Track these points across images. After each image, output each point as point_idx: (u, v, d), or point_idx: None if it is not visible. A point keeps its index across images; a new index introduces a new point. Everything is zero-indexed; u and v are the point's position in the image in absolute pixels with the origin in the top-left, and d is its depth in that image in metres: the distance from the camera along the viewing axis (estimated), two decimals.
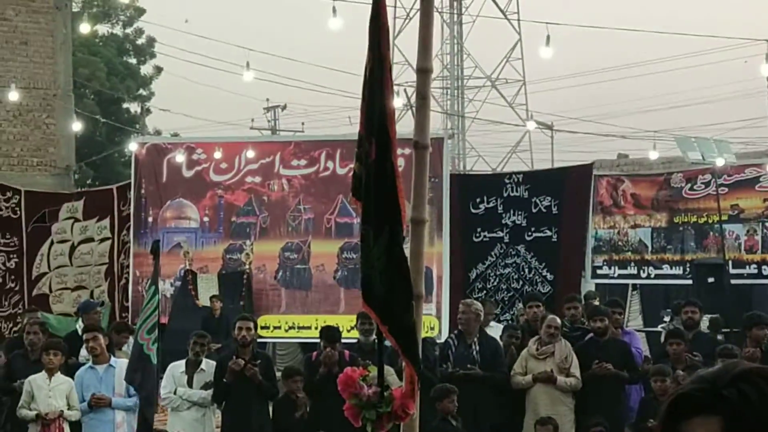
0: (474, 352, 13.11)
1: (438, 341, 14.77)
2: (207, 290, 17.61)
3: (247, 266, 17.85)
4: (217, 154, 18.24)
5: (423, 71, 5.01)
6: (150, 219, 18.34)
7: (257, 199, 18.07)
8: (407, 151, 5.10)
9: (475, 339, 13.19)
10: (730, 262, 18.00)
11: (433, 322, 16.95)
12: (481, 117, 45.31)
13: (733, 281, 17.82)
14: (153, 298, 11.40)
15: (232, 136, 24.41)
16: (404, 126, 4.80)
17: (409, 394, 5.01)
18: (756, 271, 17.91)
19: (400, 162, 5.54)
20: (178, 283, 17.89)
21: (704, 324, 16.41)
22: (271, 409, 13.05)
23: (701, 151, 18.13)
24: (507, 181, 19.00)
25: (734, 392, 2.67)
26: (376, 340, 5.62)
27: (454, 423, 12.04)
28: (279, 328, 17.73)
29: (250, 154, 18.15)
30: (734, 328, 15.29)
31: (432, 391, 11.77)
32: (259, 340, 14.86)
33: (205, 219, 18.23)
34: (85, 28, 25.15)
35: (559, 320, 13.34)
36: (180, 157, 18.32)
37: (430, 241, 16.78)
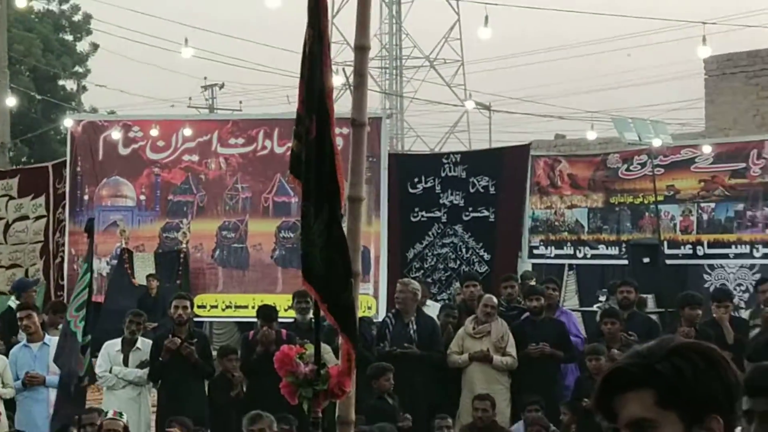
0: (411, 331, 13.14)
1: (375, 320, 14.81)
2: (143, 269, 17.51)
3: (184, 245, 17.76)
4: (154, 132, 18.11)
5: (360, 49, 5.00)
6: (86, 197, 18.18)
7: (194, 177, 17.96)
8: (345, 130, 5.09)
9: (413, 318, 13.22)
10: (666, 243, 18.16)
11: (371, 301, 16.97)
12: (419, 97, 45.34)
13: (668, 261, 17.97)
14: (85, 275, 11.29)
15: (169, 114, 24.25)
16: (343, 105, 4.81)
17: (345, 372, 5.01)
18: (691, 251, 18.09)
19: (339, 141, 5.54)
20: (114, 262, 17.78)
21: (650, 304, 16.59)
22: (207, 388, 13.01)
23: (638, 131, 18.23)
24: (445, 161, 19.03)
25: (668, 366, 2.70)
26: (313, 319, 5.61)
27: (390, 401, 12.09)
28: (216, 307, 17.66)
29: (188, 132, 18.04)
30: (669, 308, 15.44)
31: (368, 370, 11.80)
32: (195, 319, 14.79)
33: (142, 197, 18.11)
34: (21, 3, 24.87)
35: (495, 300, 13.40)
36: (116, 135, 18.17)
37: (367, 220, 16.80)
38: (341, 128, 5.14)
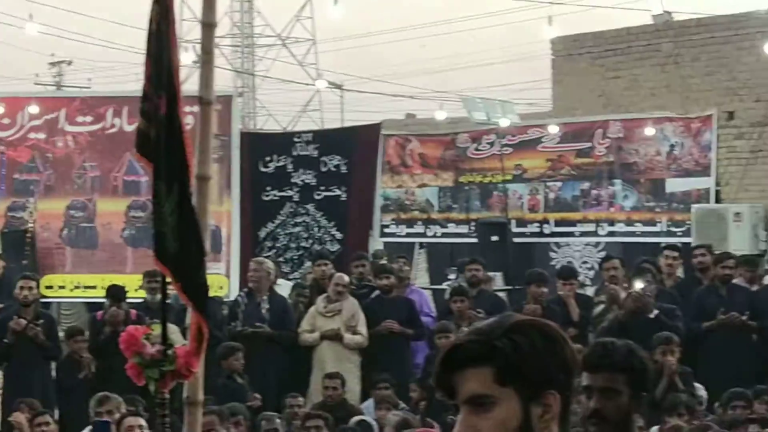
0: (263, 311, 13.14)
1: (227, 300, 14.75)
2: None
3: (30, 224, 17.41)
4: None
5: (207, 26, 4.97)
6: None
7: (41, 156, 17.61)
8: (196, 108, 5.04)
9: (265, 297, 13.22)
10: (513, 221, 18.43)
11: (222, 281, 16.85)
12: (271, 76, 45.11)
13: (515, 240, 18.26)
14: None
15: (14, 91, 23.74)
16: (194, 83, 4.77)
17: (193, 352, 4.98)
18: (538, 229, 18.38)
19: (190, 119, 5.50)
20: None
21: (498, 282, 16.81)
22: (54, 369, 12.82)
23: (486, 111, 18.42)
24: (296, 140, 19.02)
25: (507, 343, 2.74)
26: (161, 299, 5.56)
27: (240, 381, 12.07)
28: (64, 287, 17.36)
29: (34, 109, 17.66)
30: (517, 286, 15.68)
31: (218, 349, 11.76)
32: (43, 300, 14.55)
33: None
34: None
35: (346, 278, 13.46)
36: None
37: (219, 199, 16.69)
38: (192, 107, 5.09)
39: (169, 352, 4.93)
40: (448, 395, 2.79)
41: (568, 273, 13.63)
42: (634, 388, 4.40)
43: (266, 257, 15.73)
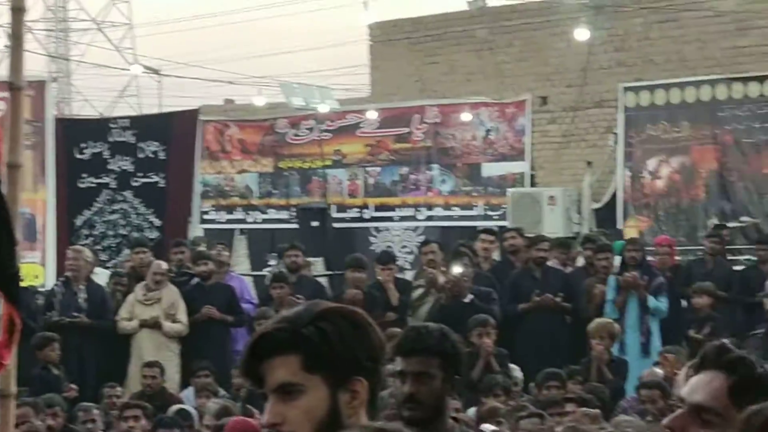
0: (80, 300, 12.94)
1: (43, 289, 14.47)
2: None
3: None
4: None
5: (16, 10, 4.86)
6: None
7: None
8: (6, 94, 4.92)
9: (82, 286, 13.02)
10: (333, 207, 18.50)
11: (38, 270, 16.53)
12: (87, 60, 44.29)
13: (335, 225, 18.33)
14: None
15: None
16: (5, 68, 4.67)
17: (4, 344, 4.87)
18: (357, 215, 18.49)
19: (1, 105, 5.39)
20: None
21: (318, 267, 16.81)
22: None
23: (305, 97, 18.43)
24: (113, 125, 18.76)
25: (314, 331, 2.76)
26: None
27: (56, 371, 11.86)
28: None
29: None
30: (337, 271, 15.74)
31: (33, 340, 11.53)
32: None
33: None
34: None
35: (165, 266, 13.35)
36: None
37: (33, 187, 16.37)
38: (4, 92, 4.97)
39: None
40: (257, 384, 2.79)
41: (387, 258, 13.73)
42: (448, 371, 4.45)
43: (83, 245, 15.48)
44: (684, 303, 13.17)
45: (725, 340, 2.84)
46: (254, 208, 19.19)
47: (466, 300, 12.04)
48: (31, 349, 11.31)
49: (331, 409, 2.74)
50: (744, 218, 15.43)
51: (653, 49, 17.15)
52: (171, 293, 13.06)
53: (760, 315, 12.48)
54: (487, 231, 14.43)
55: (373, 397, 2.80)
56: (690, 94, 16.11)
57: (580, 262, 14.11)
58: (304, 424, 2.73)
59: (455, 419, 4.94)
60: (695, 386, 2.75)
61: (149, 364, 12.09)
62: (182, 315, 12.98)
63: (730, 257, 14.32)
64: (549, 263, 13.37)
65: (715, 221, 15.43)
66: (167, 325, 12.89)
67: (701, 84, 16.04)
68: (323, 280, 15.76)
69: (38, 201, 16.77)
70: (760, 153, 15.64)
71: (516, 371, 11.31)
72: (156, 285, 13.03)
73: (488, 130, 17.69)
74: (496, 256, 14.19)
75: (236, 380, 12.15)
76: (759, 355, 9.37)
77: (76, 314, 12.79)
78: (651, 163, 16.40)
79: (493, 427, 7.91)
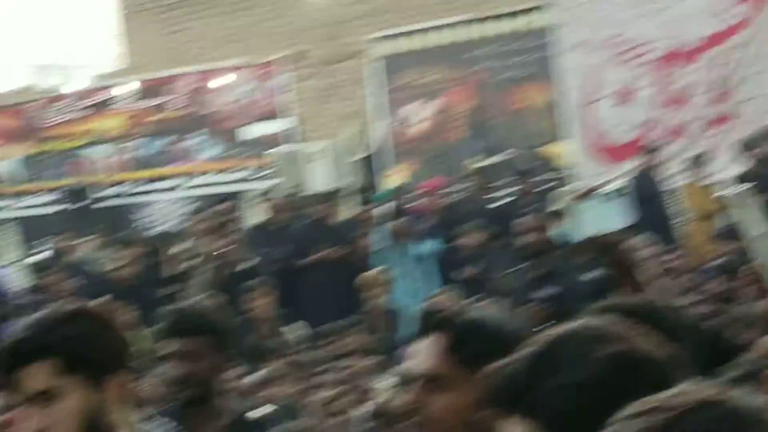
0: None
1: None
2: None
3: None
4: None
5: None
6: None
7: None
8: None
9: None
10: (94, 187, 18.10)
11: None
12: None
13: (97, 205, 17.96)
14: None
15: None
16: None
17: None
18: (120, 191, 18.14)
19: None
20: None
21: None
22: None
23: (57, 76, 18.02)
24: None
25: (63, 333, 2.71)
26: None
27: None
28: None
29: None
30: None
31: None
32: None
33: None
34: None
35: None
36: None
37: None
38: None
39: None
40: (18, 393, 2.72)
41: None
42: (218, 347, 4.36)
43: None
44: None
45: (425, 303, 2.82)
46: (19, 194, 18.66)
47: (239, 268, 11.96)
48: None
49: (93, 409, 2.71)
50: (503, 153, 15.74)
51: None
52: None
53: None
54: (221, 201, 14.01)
55: (131, 389, 2.79)
56: (444, 36, 16.31)
57: (346, 214, 14.16)
58: (68, 427, 2.68)
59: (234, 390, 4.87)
60: (416, 355, 2.65)
61: None
62: None
63: (493, 194, 14.60)
64: (318, 218, 13.38)
65: (477, 160, 15.70)
66: None
67: (455, 26, 16.22)
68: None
69: None
70: (513, 88, 15.97)
71: (300, 329, 11.30)
72: None
73: (246, 93, 17.58)
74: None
75: None
76: (524, 288, 9.58)
77: None
78: (411, 109, 16.58)
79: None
